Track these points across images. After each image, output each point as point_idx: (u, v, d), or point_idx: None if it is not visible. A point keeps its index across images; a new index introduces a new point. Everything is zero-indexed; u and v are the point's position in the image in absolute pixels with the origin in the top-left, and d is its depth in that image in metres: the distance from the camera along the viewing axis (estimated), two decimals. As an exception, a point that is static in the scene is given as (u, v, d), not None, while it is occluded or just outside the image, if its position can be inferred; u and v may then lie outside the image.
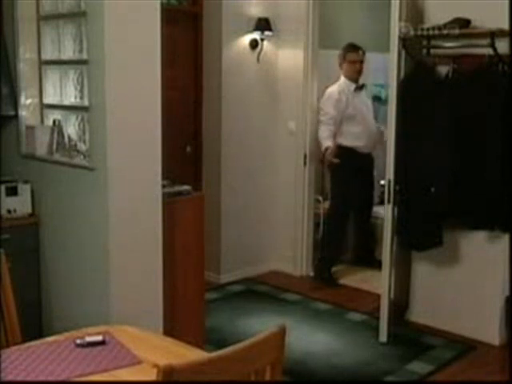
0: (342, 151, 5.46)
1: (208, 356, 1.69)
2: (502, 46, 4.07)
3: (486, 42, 4.07)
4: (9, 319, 2.43)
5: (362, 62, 5.60)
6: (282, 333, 1.74)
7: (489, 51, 4.08)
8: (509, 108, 4.05)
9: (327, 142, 5.44)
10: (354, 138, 5.56)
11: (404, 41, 4.25)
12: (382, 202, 4.94)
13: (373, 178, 6.01)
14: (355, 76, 5.61)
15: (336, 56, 5.69)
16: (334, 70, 5.76)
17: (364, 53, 5.62)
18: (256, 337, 1.69)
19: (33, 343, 2.27)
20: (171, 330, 3.56)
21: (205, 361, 1.64)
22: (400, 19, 4.17)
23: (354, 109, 5.60)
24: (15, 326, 2.44)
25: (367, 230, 6.05)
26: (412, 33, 4.25)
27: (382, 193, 4.58)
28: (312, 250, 5.87)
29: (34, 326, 3.76)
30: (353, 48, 5.59)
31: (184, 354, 2.13)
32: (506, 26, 4.03)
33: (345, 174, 5.53)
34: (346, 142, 5.54)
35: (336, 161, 5.37)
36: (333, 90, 5.61)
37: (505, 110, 4.06)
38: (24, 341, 2.37)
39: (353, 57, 5.56)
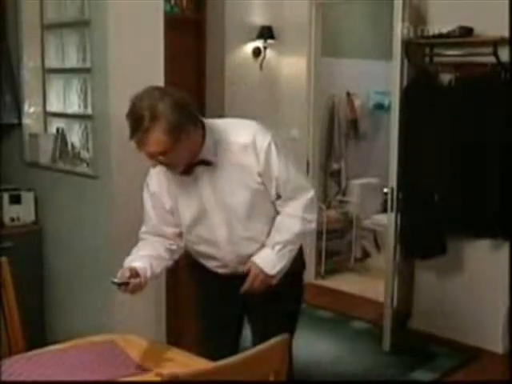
0: None
1: (213, 365, 1.69)
2: (504, 54, 4.08)
3: (488, 50, 4.08)
4: (12, 327, 2.43)
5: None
6: (285, 342, 1.74)
7: (491, 60, 4.09)
8: (511, 117, 4.05)
9: None
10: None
11: (407, 48, 4.26)
12: (384, 210, 4.93)
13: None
14: None
15: (340, 64, 5.63)
16: (336, 78, 5.77)
17: None
18: (260, 346, 1.69)
19: (36, 351, 2.26)
20: (175, 339, 3.56)
21: (209, 370, 1.64)
22: (402, 27, 4.18)
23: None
24: (18, 334, 2.43)
25: None
26: (412, 34, 4.26)
27: (385, 201, 4.58)
28: (315, 258, 5.86)
29: (38, 334, 3.75)
30: None
31: (188, 363, 2.12)
32: (508, 34, 4.03)
33: None
34: None
35: None
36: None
37: (507, 119, 4.06)
38: (27, 349, 2.37)
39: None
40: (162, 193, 2.46)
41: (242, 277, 2.40)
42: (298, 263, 2.57)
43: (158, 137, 2.16)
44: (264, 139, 2.36)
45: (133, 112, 2.21)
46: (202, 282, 2.64)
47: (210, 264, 2.52)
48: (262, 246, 2.42)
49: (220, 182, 2.36)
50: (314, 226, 2.49)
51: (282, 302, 2.49)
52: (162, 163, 2.25)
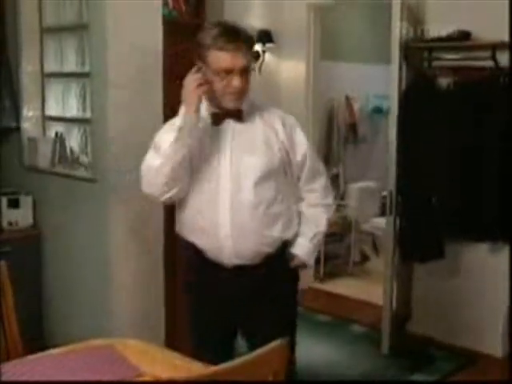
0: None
1: (211, 369, 1.69)
2: (503, 58, 4.09)
3: (486, 54, 4.08)
4: (10, 331, 2.42)
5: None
6: (284, 345, 1.74)
7: (490, 64, 4.09)
8: (509, 121, 4.06)
9: None
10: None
11: (405, 52, 4.27)
12: (383, 214, 4.93)
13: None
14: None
15: (339, 67, 5.63)
16: (335, 82, 5.77)
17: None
18: (259, 350, 1.69)
19: (35, 356, 2.26)
20: (173, 343, 3.55)
21: (208, 374, 1.63)
22: (401, 31, 4.19)
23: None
24: (17, 339, 2.43)
25: None
26: (411, 38, 4.27)
27: (384, 204, 4.57)
28: (314, 262, 5.84)
29: (36, 338, 3.75)
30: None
31: (186, 368, 2.12)
32: (506, 38, 4.03)
33: None
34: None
35: None
36: None
37: (505, 123, 4.06)
38: (26, 353, 2.36)
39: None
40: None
41: (237, 280, 2.39)
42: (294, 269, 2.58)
43: (248, 49, 2.32)
44: (291, 118, 2.52)
45: (221, 25, 2.36)
46: (198, 286, 2.56)
47: (204, 245, 2.41)
48: (261, 229, 2.36)
49: (244, 137, 2.39)
50: (333, 208, 2.64)
51: (280, 308, 2.49)
52: (236, 85, 2.28)
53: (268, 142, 2.40)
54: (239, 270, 2.39)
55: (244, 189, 2.34)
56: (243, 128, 2.39)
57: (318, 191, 2.54)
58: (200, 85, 2.28)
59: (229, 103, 2.35)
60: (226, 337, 2.57)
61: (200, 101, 2.30)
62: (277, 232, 2.41)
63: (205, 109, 2.39)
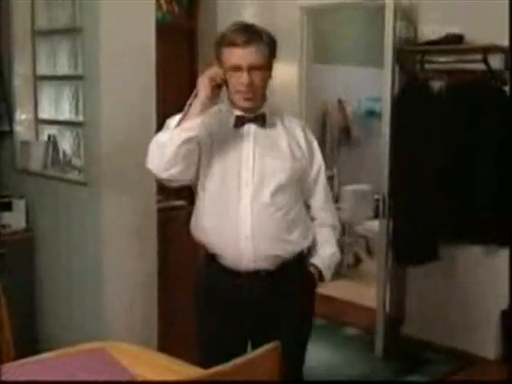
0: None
1: (204, 372, 1.69)
2: (494, 61, 4.11)
3: (478, 57, 4.10)
4: (3, 335, 2.42)
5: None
6: (276, 350, 1.74)
7: (482, 67, 4.11)
8: (501, 123, 4.07)
9: None
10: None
11: (398, 55, 4.28)
12: (376, 216, 4.94)
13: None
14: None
15: (332, 70, 5.65)
16: (328, 85, 5.78)
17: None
18: (252, 353, 1.69)
19: (28, 359, 2.25)
20: (166, 346, 3.55)
21: (200, 377, 1.63)
22: (394, 34, 4.20)
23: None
24: (9, 342, 2.42)
25: None
26: (404, 41, 4.29)
27: (377, 207, 4.59)
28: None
29: (29, 341, 3.74)
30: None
31: (179, 371, 2.11)
32: (498, 41, 4.06)
33: None
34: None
35: None
36: None
37: (498, 125, 4.08)
38: (18, 357, 2.35)
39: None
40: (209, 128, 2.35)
41: (253, 287, 2.36)
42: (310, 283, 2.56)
43: (262, 47, 2.29)
44: (310, 131, 2.53)
45: (237, 24, 2.36)
46: (212, 293, 2.48)
47: (223, 248, 2.37)
48: (282, 234, 2.35)
49: (267, 142, 2.37)
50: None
51: (296, 325, 2.46)
52: (248, 86, 2.26)
53: (291, 148, 2.39)
54: (256, 275, 2.36)
55: (266, 192, 2.32)
56: (265, 133, 2.38)
57: (330, 211, 2.58)
58: (213, 79, 2.27)
59: (239, 102, 2.33)
60: (237, 347, 2.38)
61: (213, 93, 2.28)
62: (295, 238, 2.39)
63: (227, 110, 2.39)
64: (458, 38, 4.22)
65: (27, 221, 3.88)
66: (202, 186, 2.40)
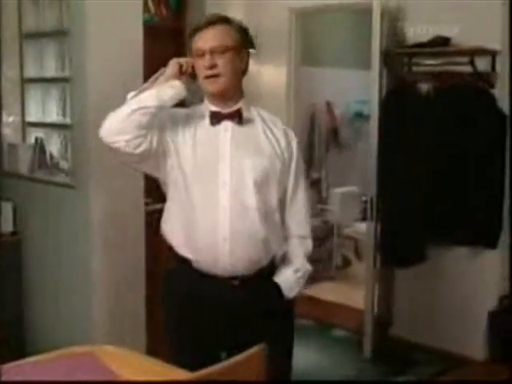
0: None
1: (191, 375, 1.68)
2: (480, 63, 4.14)
3: (465, 59, 4.12)
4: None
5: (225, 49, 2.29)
6: (261, 352, 1.74)
7: (468, 69, 4.13)
8: (489, 125, 4.10)
9: None
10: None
11: (385, 58, 4.30)
12: (365, 218, 4.95)
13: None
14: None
15: (320, 72, 5.63)
16: (316, 87, 5.78)
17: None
18: (239, 356, 1.69)
19: (14, 363, 2.24)
20: (154, 349, 3.54)
21: (188, 380, 1.63)
22: (381, 36, 4.21)
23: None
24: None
25: None
26: (391, 44, 4.32)
27: (365, 209, 4.60)
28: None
29: (17, 345, 3.72)
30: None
31: (168, 374, 2.11)
32: (484, 43, 4.09)
33: None
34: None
35: None
36: None
37: (484, 127, 4.10)
38: (5, 361, 2.34)
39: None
40: (177, 126, 2.29)
41: (229, 292, 2.27)
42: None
43: (228, 30, 2.27)
44: (292, 132, 2.42)
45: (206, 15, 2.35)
46: (185, 299, 2.35)
47: (199, 250, 2.26)
48: (262, 238, 2.26)
49: (244, 139, 2.29)
50: (311, 243, 2.47)
51: (274, 337, 2.24)
52: (211, 68, 2.21)
53: (270, 146, 2.32)
54: (232, 280, 2.28)
55: (245, 190, 2.24)
56: (243, 130, 2.31)
57: (303, 221, 2.42)
58: (181, 64, 2.26)
59: (207, 87, 2.27)
60: (212, 355, 2.23)
61: (180, 75, 2.26)
62: (272, 242, 2.31)
63: (205, 107, 2.34)
64: (445, 41, 4.24)
65: (15, 224, 3.86)
66: (175, 185, 2.30)
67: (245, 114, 2.33)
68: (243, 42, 2.32)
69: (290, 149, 2.36)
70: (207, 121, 2.31)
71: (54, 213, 3.64)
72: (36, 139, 3.88)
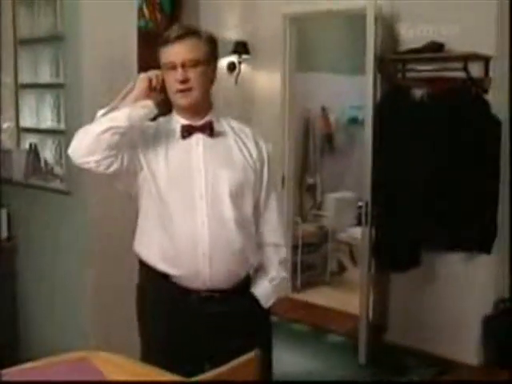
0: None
1: (186, 381, 1.68)
2: (474, 69, 4.16)
3: (459, 65, 4.14)
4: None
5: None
6: (254, 359, 1.74)
7: (462, 75, 4.15)
8: (483, 131, 4.11)
9: None
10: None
11: (380, 63, 4.32)
12: (359, 223, 4.95)
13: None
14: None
15: (314, 78, 5.64)
16: (311, 93, 5.79)
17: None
18: (233, 362, 1.69)
19: (8, 370, 2.23)
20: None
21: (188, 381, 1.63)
22: (375, 42, 4.23)
23: None
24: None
25: None
26: (385, 50, 4.34)
27: (360, 214, 4.61)
28: (291, 272, 5.86)
29: (11, 351, 3.71)
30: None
31: (161, 380, 2.11)
32: (477, 49, 4.11)
33: None
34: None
35: None
36: None
37: (477, 132, 4.12)
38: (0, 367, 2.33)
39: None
40: (147, 142, 2.26)
41: (208, 307, 2.26)
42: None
43: (198, 43, 2.22)
44: (262, 140, 2.42)
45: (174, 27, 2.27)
46: (163, 315, 2.35)
47: (177, 265, 2.24)
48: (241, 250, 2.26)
49: (217, 151, 2.27)
50: (285, 250, 2.48)
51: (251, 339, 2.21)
52: (183, 82, 2.18)
53: (243, 157, 2.32)
54: (211, 295, 2.27)
55: (221, 202, 2.23)
56: (215, 142, 2.29)
57: (277, 229, 2.42)
58: (151, 79, 2.24)
59: (178, 101, 2.24)
60: (193, 368, 2.06)
61: (149, 92, 2.24)
62: (250, 253, 2.31)
63: (175, 121, 2.32)
64: (438, 47, 4.27)
65: (9, 230, 3.85)
66: (150, 198, 2.29)
67: (216, 127, 2.31)
68: (213, 54, 2.30)
69: (261, 157, 2.37)
70: (178, 134, 2.29)
71: (48, 219, 3.64)
72: (30, 145, 3.87)
